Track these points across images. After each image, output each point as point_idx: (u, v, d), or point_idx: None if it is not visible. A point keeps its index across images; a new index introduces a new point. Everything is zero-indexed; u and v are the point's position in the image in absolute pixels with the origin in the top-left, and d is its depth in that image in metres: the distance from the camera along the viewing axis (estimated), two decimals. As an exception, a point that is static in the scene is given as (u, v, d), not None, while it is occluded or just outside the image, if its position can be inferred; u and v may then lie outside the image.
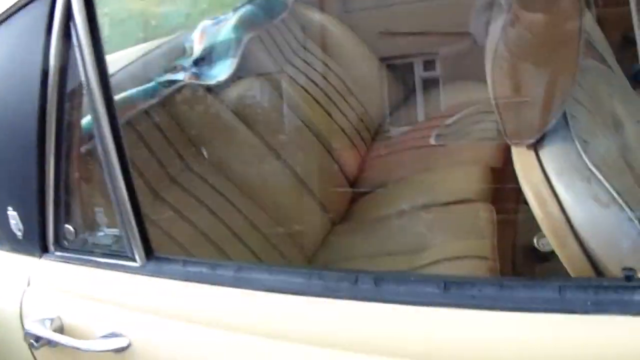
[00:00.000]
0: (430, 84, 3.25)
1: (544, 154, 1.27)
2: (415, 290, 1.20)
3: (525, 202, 2.21)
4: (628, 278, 1.06)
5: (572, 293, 1.07)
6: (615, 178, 1.22)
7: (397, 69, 3.39)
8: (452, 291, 1.16)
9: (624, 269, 1.07)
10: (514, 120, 1.33)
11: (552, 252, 1.86)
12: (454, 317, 1.14)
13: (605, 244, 1.20)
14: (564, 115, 1.28)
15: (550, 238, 1.26)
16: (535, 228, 2.01)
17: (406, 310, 1.18)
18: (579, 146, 1.24)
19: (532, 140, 1.29)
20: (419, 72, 3.28)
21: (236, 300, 1.39)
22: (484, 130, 2.78)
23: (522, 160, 1.32)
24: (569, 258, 1.23)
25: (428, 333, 1.16)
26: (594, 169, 1.21)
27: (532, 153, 1.28)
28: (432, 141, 2.84)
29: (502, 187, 2.42)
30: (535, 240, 1.89)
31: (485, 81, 2.95)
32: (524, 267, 2.05)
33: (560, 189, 1.23)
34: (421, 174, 2.74)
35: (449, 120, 2.88)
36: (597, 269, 1.20)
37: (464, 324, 1.13)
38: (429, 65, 3.26)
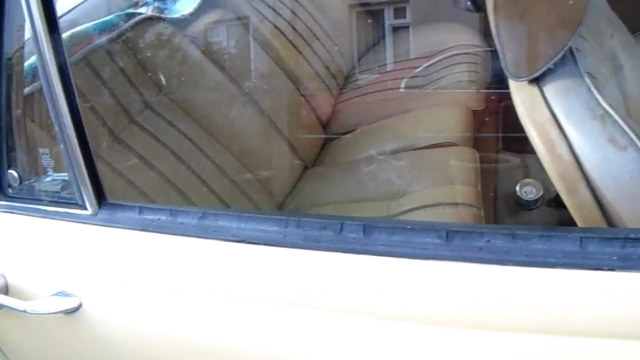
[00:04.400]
0: (401, 29, 3.19)
1: (550, 90, 1.15)
2: (412, 240, 1.07)
3: (505, 149, 2.15)
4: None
5: (595, 246, 0.97)
6: (629, 119, 1.11)
7: (368, 15, 3.33)
8: (455, 242, 1.04)
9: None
10: (516, 53, 1.19)
11: (535, 201, 1.80)
12: (458, 272, 1.02)
13: (621, 190, 1.08)
14: (570, 49, 1.15)
15: (558, 183, 1.15)
16: (517, 176, 1.95)
17: (401, 264, 1.06)
18: (588, 82, 1.13)
19: (536, 75, 1.16)
20: (389, 19, 3.20)
21: (200, 252, 1.26)
22: (460, 73, 2.73)
23: (525, 98, 1.21)
24: (579, 206, 1.12)
25: (427, 290, 1.04)
26: (608, 108, 1.11)
27: (535, 90, 1.17)
28: (403, 85, 2.75)
29: (483, 131, 2.37)
30: (518, 188, 1.85)
31: (459, 22, 2.91)
32: (506, 217, 1.97)
33: (570, 129, 1.12)
34: (398, 117, 2.65)
35: (424, 65, 2.78)
36: (610, 220, 1.08)
37: (470, 280, 1.01)
38: (399, 12, 3.19)
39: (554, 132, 1.12)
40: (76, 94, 1.42)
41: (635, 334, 0.91)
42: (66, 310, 1.38)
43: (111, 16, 2.24)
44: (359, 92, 2.96)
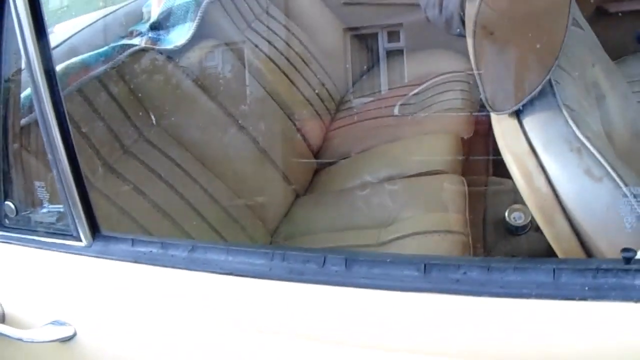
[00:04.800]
0: (394, 55, 3.19)
1: (529, 122, 1.20)
2: (391, 273, 1.09)
3: (495, 174, 2.17)
4: (627, 260, 0.97)
5: (567, 277, 0.99)
6: (606, 150, 1.13)
7: (362, 39, 3.34)
8: (433, 274, 1.07)
9: (623, 250, 0.98)
10: (496, 86, 1.23)
11: (524, 227, 1.82)
12: (436, 304, 1.05)
13: (597, 221, 1.13)
14: (549, 81, 1.19)
15: (536, 214, 1.19)
16: (506, 201, 1.97)
17: (382, 296, 1.08)
18: (566, 114, 1.17)
19: (515, 108, 1.20)
20: (383, 43, 3.22)
21: (191, 284, 1.28)
22: (450, 100, 2.75)
23: (505, 130, 1.25)
24: (557, 236, 1.17)
25: (406, 321, 1.06)
26: (584, 140, 1.14)
27: (515, 122, 1.22)
28: (396, 112, 2.76)
29: (472, 159, 2.39)
30: (506, 214, 1.88)
31: (451, 49, 2.93)
32: (495, 243, 2.01)
33: (548, 161, 1.16)
34: (388, 144, 2.65)
35: (415, 90, 2.80)
36: (587, 249, 1.13)
37: (447, 311, 1.04)
38: (392, 36, 3.20)
39: (532, 164, 1.15)
40: (70, 128, 1.45)
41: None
42: (61, 338, 1.39)
43: (105, 48, 2.26)
44: (350, 119, 2.97)
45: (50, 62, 1.44)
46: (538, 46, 1.20)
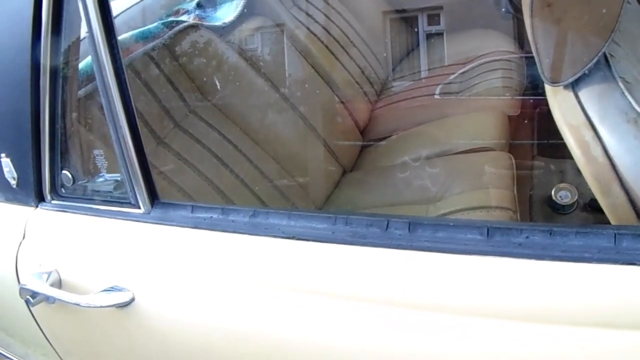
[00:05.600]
0: (436, 36, 3.18)
1: (584, 94, 1.18)
2: (454, 236, 1.10)
3: (541, 154, 2.16)
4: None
5: (628, 242, 0.99)
6: None
7: (402, 22, 3.34)
8: (496, 238, 1.07)
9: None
10: (552, 58, 1.22)
11: (570, 206, 1.81)
12: (498, 267, 1.05)
13: None
14: (604, 54, 1.18)
15: (593, 184, 1.17)
16: (552, 180, 1.96)
17: (444, 259, 1.09)
18: (622, 86, 1.15)
19: (571, 80, 1.18)
20: (424, 26, 3.20)
21: (251, 249, 1.29)
22: (495, 79, 2.73)
23: (560, 102, 1.23)
24: (613, 206, 1.14)
25: (469, 284, 1.06)
26: None
27: (570, 94, 1.19)
28: (439, 91, 2.77)
29: (519, 137, 2.37)
30: (553, 193, 1.86)
31: (492, 28, 2.90)
32: (543, 221, 1.97)
33: (604, 132, 1.14)
34: (435, 122, 2.65)
35: (460, 70, 2.80)
36: None
37: (509, 274, 1.04)
38: (432, 19, 3.19)
39: (588, 135, 1.14)
40: (131, 97, 1.45)
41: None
42: (119, 304, 1.41)
43: (155, 24, 2.28)
44: (396, 98, 2.97)
45: (112, 31, 1.44)
46: (595, 18, 1.19)
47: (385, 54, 3.21)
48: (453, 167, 2.29)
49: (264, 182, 2.24)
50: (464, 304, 1.06)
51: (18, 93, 1.64)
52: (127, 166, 1.47)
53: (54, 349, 1.76)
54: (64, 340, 1.73)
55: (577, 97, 1.18)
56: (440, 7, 3.12)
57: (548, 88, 1.25)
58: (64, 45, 1.61)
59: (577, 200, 1.84)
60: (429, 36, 3.18)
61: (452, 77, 2.83)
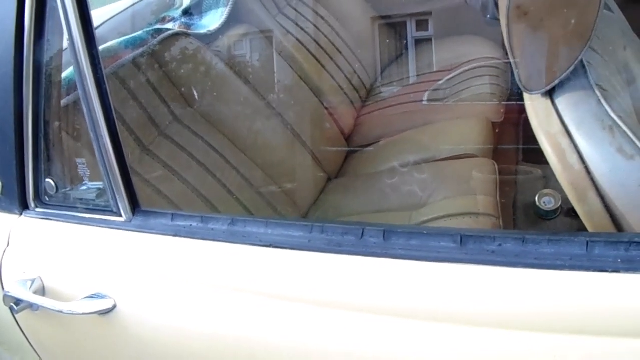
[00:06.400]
0: (423, 42, 3.19)
1: (562, 102, 1.19)
2: (428, 244, 1.11)
3: (525, 160, 2.17)
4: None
5: (601, 249, 1.00)
6: (637, 129, 1.14)
7: (390, 28, 3.34)
8: (469, 246, 1.08)
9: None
10: (529, 66, 1.23)
11: (554, 212, 1.82)
12: (472, 274, 1.06)
13: (629, 198, 1.11)
14: (581, 62, 1.19)
15: (569, 192, 1.19)
16: (536, 187, 1.97)
17: (418, 267, 1.10)
18: (598, 94, 1.16)
19: (548, 88, 1.20)
20: (412, 32, 3.21)
21: (230, 256, 1.30)
22: (480, 86, 2.75)
23: (538, 110, 1.25)
24: (589, 214, 1.15)
25: (443, 292, 1.08)
26: (616, 119, 1.13)
27: (548, 102, 1.21)
28: (426, 98, 2.77)
29: (503, 143, 2.38)
30: (537, 199, 1.86)
31: (479, 36, 2.92)
32: (526, 227, 1.99)
33: (581, 139, 1.15)
34: (419, 129, 2.66)
35: (447, 77, 2.79)
36: (618, 226, 1.12)
37: (483, 281, 1.05)
38: (421, 25, 3.19)
39: (565, 143, 1.15)
40: (112, 105, 1.46)
41: (637, 332, 0.95)
42: (101, 311, 1.41)
43: (140, 32, 2.29)
44: (382, 105, 2.98)
45: (93, 41, 1.45)
46: (571, 27, 1.20)
47: (372, 60, 3.22)
48: (436, 173, 2.30)
49: (249, 190, 2.25)
50: (437, 311, 1.07)
51: (1, 102, 1.64)
52: (108, 175, 1.47)
53: (38, 355, 1.75)
54: (48, 347, 1.73)
55: (554, 104, 1.19)
56: (430, 13, 3.12)
57: (526, 96, 1.27)
58: (47, 54, 1.62)
59: (560, 206, 1.84)
60: (418, 42, 3.18)
61: (439, 83, 2.83)
